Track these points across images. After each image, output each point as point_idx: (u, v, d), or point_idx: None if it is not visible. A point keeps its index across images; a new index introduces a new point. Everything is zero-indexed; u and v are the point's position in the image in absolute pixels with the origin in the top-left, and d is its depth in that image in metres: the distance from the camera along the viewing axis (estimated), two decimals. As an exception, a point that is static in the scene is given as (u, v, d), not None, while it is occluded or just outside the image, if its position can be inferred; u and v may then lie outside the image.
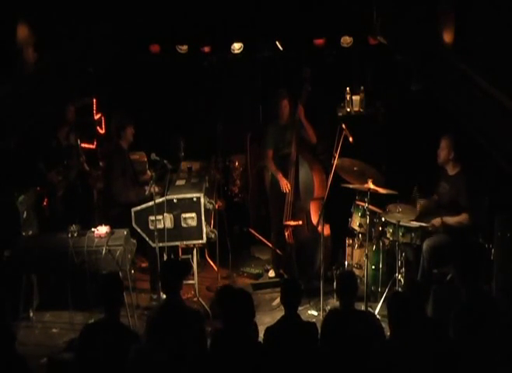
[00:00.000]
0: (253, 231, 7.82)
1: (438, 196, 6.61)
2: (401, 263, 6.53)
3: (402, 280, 6.48)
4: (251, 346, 4.48)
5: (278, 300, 6.87)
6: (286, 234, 7.23)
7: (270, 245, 7.56)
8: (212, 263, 7.57)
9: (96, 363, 4.45)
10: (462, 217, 6.26)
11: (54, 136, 7.45)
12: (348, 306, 4.82)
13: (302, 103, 7.02)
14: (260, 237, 7.69)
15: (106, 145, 7.82)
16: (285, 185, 7.11)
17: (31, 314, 6.62)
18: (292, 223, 7.19)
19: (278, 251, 7.38)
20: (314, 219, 7.08)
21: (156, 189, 6.51)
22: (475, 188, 6.28)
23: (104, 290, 4.66)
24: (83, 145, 7.69)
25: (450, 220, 6.31)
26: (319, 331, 4.76)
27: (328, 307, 6.63)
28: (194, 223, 6.39)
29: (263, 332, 4.74)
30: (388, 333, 4.65)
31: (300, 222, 7.20)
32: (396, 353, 4.25)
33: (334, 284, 5.95)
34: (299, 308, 4.92)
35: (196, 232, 6.42)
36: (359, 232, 6.95)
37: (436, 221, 6.35)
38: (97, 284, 4.97)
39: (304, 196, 7.20)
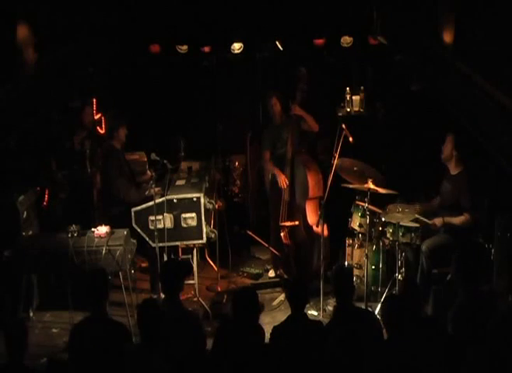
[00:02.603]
0: (251, 233, 7.80)
1: (440, 196, 6.60)
2: (401, 263, 6.53)
3: (402, 280, 6.49)
4: (257, 346, 4.48)
5: (278, 300, 6.88)
6: (282, 235, 7.20)
7: (268, 246, 7.53)
8: (212, 263, 7.56)
9: (89, 360, 4.46)
10: (464, 218, 6.23)
11: (70, 139, 7.44)
12: (346, 304, 4.81)
13: (296, 103, 6.98)
14: (258, 239, 7.66)
15: (104, 146, 7.81)
16: (283, 180, 7.09)
17: (31, 314, 6.63)
18: (288, 223, 7.17)
19: (275, 251, 7.37)
20: (310, 219, 7.08)
21: (156, 190, 6.51)
22: (476, 188, 6.27)
23: (90, 285, 4.70)
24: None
25: (453, 220, 6.29)
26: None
27: (329, 307, 6.64)
28: (194, 223, 6.39)
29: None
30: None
31: (297, 223, 7.18)
32: (392, 355, 4.25)
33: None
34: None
35: (196, 232, 6.43)
36: (359, 232, 6.94)
37: (438, 221, 6.33)
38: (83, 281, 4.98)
39: (299, 196, 7.17)
